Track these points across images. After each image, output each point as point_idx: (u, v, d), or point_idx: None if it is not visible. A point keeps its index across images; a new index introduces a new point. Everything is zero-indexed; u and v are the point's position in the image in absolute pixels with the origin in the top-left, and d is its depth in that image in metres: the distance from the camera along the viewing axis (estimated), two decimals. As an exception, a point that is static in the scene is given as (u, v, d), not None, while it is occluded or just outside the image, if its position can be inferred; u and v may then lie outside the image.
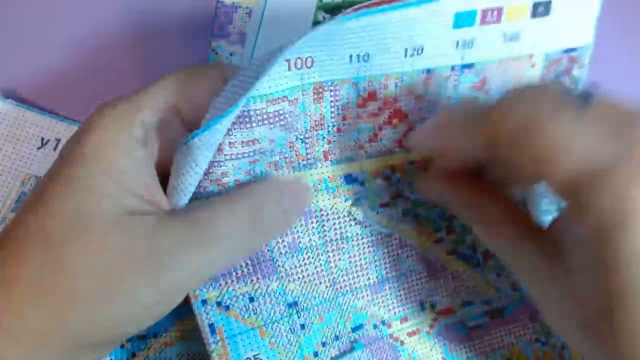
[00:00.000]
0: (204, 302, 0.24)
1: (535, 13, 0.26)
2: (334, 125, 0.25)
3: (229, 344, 0.24)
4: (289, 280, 0.25)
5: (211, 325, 0.24)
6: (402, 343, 0.27)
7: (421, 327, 0.28)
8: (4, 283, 0.20)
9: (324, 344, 0.26)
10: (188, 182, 0.22)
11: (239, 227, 0.22)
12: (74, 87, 0.33)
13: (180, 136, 0.23)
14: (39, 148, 0.31)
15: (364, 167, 0.26)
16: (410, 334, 0.28)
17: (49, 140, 0.31)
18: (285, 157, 0.24)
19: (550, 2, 0.26)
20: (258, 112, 0.22)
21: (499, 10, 0.25)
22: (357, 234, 0.26)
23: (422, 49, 0.24)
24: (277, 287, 0.25)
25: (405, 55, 0.24)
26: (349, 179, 0.26)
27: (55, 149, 0.31)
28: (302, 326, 0.25)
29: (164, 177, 0.23)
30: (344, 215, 0.26)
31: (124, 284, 0.20)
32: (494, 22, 0.25)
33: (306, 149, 0.25)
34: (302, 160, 0.25)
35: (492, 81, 0.27)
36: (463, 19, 0.24)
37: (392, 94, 0.25)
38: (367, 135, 0.26)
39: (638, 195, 0.17)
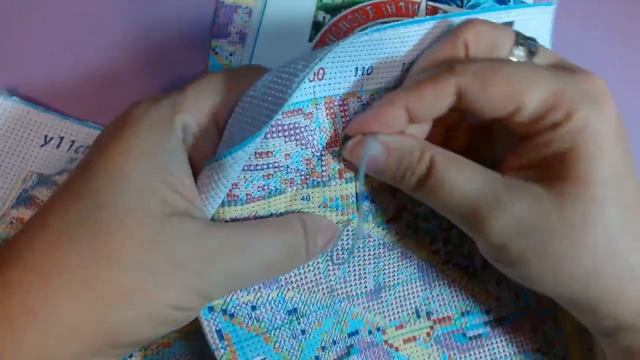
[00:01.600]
0: (211, 309, 0.24)
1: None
2: (347, 137, 0.25)
3: (237, 349, 0.25)
4: (287, 289, 0.26)
5: (219, 332, 0.24)
6: (396, 349, 0.28)
7: (417, 335, 0.28)
8: (42, 273, 0.19)
9: (323, 349, 0.27)
10: (217, 196, 0.22)
11: (275, 249, 0.23)
12: (77, 85, 0.33)
13: (214, 141, 0.23)
14: (42, 146, 0.31)
15: (374, 183, 0.26)
16: (405, 341, 0.28)
17: (52, 138, 0.31)
18: (301, 174, 0.24)
19: (512, 23, 0.27)
20: (273, 123, 0.22)
21: None
22: (358, 247, 0.27)
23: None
24: (277, 295, 0.25)
25: (402, 70, 0.25)
26: (361, 197, 0.26)
27: (58, 146, 0.31)
28: (303, 331, 0.26)
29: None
30: (349, 231, 0.26)
31: (164, 286, 0.20)
32: None
33: (322, 166, 0.25)
34: (317, 177, 0.25)
35: None
36: None
37: None
38: None
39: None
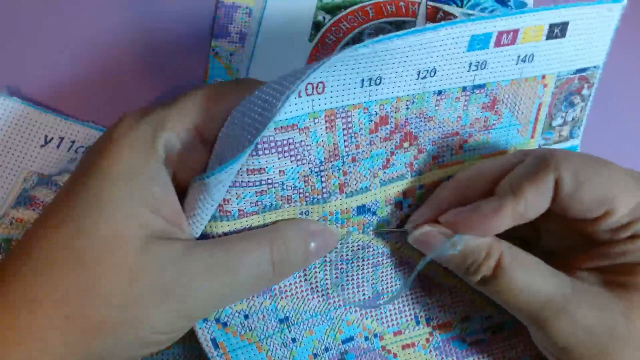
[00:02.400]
0: (204, 318, 0.25)
1: (551, 35, 0.25)
2: (348, 155, 0.24)
3: (232, 357, 0.25)
4: (281, 297, 0.26)
5: (213, 340, 0.25)
6: (394, 355, 0.28)
7: (416, 341, 0.28)
8: (25, 301, 0.19)
9: (315, 356, 0.27)
10: (204, 214, 0.22)
11: (261, 266, 0.22)
12: (77, 85, 0.33)
13: (201, 156, 0.23)
14: (42, 146, 0.31)
15: (377, 196, 0.26)
16: (404, 347, 0.28)
17: (52, 138, 0.31)
18: (300, 192, 0.24)
19: (567, 23, 0.25)
20: (265, 139, 0.22)
21: (515, 32, 0.25)
22: (357, 257, 0.26)
23: (435, 71, 0.24)
24: (270, 304, 0.25)
25: (418, 78, 0.24)
26: (362, 209, 0.26)
27: (58, 147, 0.31)
28: (294, 340, 0.26)
29: (179, 195, 0.23)
30: (348, 243, 0.26)
31: (150, 314, 0.20)
32: (509, 44, 0.25)
33: (322, 182, 0.24)
34: (317, 194, 0.24)
35: (503, 101, 0.26)
36: (478, 42, 0.24)
37: (403, 116, 0.25)
38: (381, 161, 0.25)
39: None
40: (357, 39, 0.34)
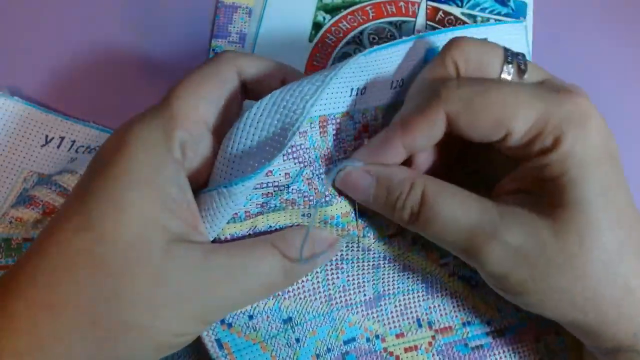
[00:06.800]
0: None
1: None
2: (339, 160, 0.25)
3: (236, 357, 0.25)
4: (284, 298, 0.26)
5: (218, 341, 0.25)
6: (397, 358, 0.28)
7: (419, 344, 0.28)
8: (47, 306, 0.19)
9: (317, 356, 0.27)
10: (223, 218, 0.23)
11: (274, 269, 0.23)
12: (78, 86, 0.33)
13: (210, 145, 0.23)
14: (42, 146, 0.31)
15: None
16: (406, 350, 0.28)
17: (52, 138, 0.32)
18: (304, 195, 0.24)
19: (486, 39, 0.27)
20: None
21: None
22: (358, 258, 0.27)
23: (403, 82, 0.26)
24: (274, 304, 0.26)
25: (391, 87, 0.26)
26: (361, 214, 0.26)
27: (58, 147, 0.31)
28: (297, 340, 0.26)
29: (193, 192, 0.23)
30: (349, 245, 0.26)
31: (168, 318, 0.20)
32: None
33: (324, 185, 0.25)
34: (320, 197, 0.25)
35: None
36: (432, 54, 0.26)
37: (379, 124, 0.26)
38: None
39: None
40: (357, 39, 0.34)
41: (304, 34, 0.34)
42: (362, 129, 0.25)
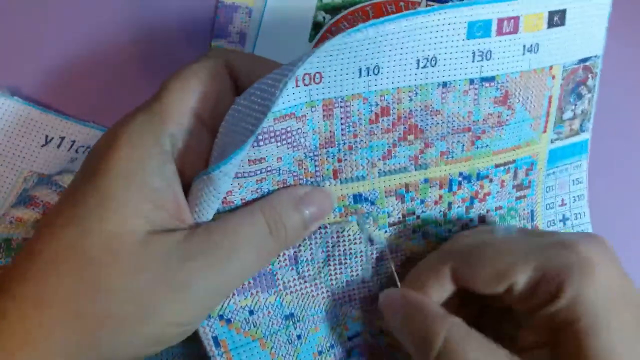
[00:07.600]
0: (207, 315, 0.24)
1: (551, 23, 0.25)
2: (344, 143, 0.24)
3: (233, 356, 0.25)
4: (286, 293, 0.25)
5: (215, 338, 0.24)
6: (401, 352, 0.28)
7: None
8: (34, 301, 0.19)
9: (320, 353, 0.26)
10: (209, 207, 0.22)
11: (259, 236, 0.23)
12: (78, 86, 0.33)
13: (203, 139, 0.23)
14: (42, 145, 0.31)
15: (375, 185, 0.26)
16: None
17: (52, 138, 0.32)
18: (294, 175, 0.24)
19: (565, 11, 0.25)
20: (265, 130, 0.22)
21: (516, 20, 0.24)
22: (361, 251, 0.26)
23: (436, 60, 0.24)
24: (275, 300, 0.25)
25: (418, 67, 0.23)
26: (358, 198, 0.25)
27: (58, 146, 0.32)
28: (299, 337, 0.26)
29: (186, 186, 0.23)
30: (350, 234, 0.26)
31: (157, 306, 0.20)
32: (511, 33, 0.24)
33: (315, 166, 0.24)
34: (311, 177, 0.24)
35: (515, 95, 0.26)
36: (477, 29, 0.24)
37: (406, 108, 0.24)
38: (381, 152, 0.25)
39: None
40: (357, 39, 0.34)
41: (304, 34, 0.34)
42: (380, 113, 0.24)
